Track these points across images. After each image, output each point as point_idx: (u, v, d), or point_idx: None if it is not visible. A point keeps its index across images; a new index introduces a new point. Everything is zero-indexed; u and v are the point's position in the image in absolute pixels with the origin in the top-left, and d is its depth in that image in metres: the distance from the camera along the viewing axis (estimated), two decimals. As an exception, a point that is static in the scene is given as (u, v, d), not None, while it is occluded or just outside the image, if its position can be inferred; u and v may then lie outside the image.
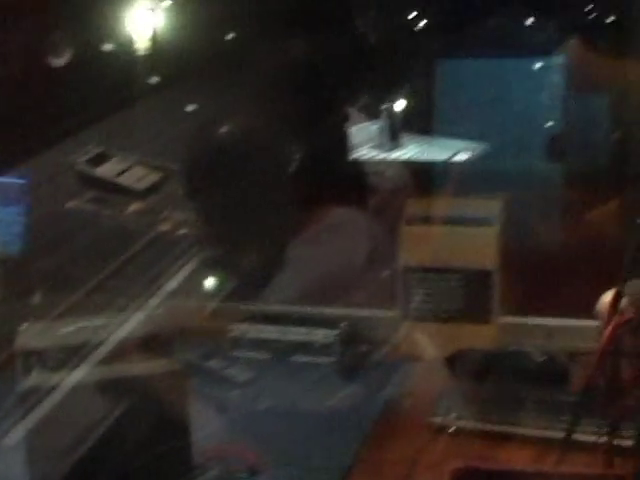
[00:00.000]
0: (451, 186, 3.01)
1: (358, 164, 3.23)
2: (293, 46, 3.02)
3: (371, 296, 2.65)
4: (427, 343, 2.47)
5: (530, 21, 3.32)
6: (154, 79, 3.24)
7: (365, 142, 3.31)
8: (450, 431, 2.17)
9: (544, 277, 2.79)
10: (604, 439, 1.75)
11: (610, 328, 1.70)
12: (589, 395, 1.76)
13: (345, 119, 3.16)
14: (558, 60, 3.13)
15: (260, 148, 2.70)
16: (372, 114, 3.34)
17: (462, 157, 3.22)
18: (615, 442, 1.74)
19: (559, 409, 2.08)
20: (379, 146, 3.32)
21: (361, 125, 3.32)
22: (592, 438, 1.82)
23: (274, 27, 3.10)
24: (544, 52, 3.16)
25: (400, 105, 3.34)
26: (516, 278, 2.57)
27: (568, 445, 1.81)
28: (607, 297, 1.88)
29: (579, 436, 1.81)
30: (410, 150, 3.32)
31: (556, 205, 3.10)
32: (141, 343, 2.23)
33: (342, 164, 3.11)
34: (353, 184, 3.01)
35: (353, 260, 2.73)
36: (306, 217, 2.75)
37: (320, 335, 2.50)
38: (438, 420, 2.19)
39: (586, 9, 3.27)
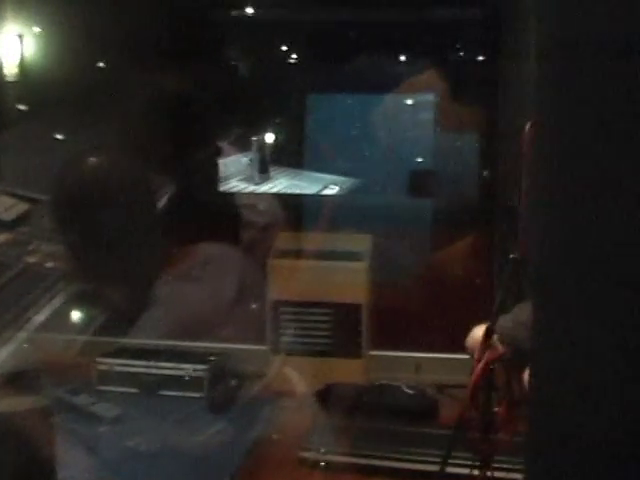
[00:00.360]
0: (321, 221, 3.02)
1: (229, 198, 3.23)
2: (164, 78, 3.00)
3: (241, 330, 2.63)
4: (297, 377, 2.47)
5: (401, 58, 3.37)
6: (21, 107, 3.18)
7: (235, 175, 3.30)
8: (321, 465, 2.16)
9: (412, 311, 2.83)
10: (477, 472, 1.76)
11: (482, 363, 1.72)
12: (461, 429, 1.78)
13: (216, 152, 3.16)
14: (428, 97, 3.18)
15: (129, 182, 2.67)
16: (242, 147, 3.35)
17: (331, 191, 3.24)
18: (489, 474, 1.76)
19: (429, 442, 2.09)
20: (249, 179, 3.32)
21: (231, 158, 3.31)
22: (465, 471, 1.84)
23: (145, 59, 3.08)
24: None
25: (270, 138, 3.35)
26: (385, 312, 2.60)
27: (441, 478, 1.83)
28: (477, 332, 1.91)
29: (452, 469, 1.83)
30: (280, 183, 3.33)
31: (425, 241, 3.14)
32: (7, 378, 2.18)
33: (212, 198, 3.10)
34: (223, 218, 3.00)
35: (223, 295, 2.72)
36: (176, 251, 2.73)
37: (189, 369, 2.48)
38: (309, 455, 2.18)
39: (455, 47, 3.34)
